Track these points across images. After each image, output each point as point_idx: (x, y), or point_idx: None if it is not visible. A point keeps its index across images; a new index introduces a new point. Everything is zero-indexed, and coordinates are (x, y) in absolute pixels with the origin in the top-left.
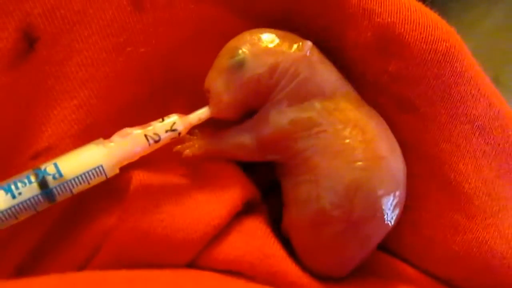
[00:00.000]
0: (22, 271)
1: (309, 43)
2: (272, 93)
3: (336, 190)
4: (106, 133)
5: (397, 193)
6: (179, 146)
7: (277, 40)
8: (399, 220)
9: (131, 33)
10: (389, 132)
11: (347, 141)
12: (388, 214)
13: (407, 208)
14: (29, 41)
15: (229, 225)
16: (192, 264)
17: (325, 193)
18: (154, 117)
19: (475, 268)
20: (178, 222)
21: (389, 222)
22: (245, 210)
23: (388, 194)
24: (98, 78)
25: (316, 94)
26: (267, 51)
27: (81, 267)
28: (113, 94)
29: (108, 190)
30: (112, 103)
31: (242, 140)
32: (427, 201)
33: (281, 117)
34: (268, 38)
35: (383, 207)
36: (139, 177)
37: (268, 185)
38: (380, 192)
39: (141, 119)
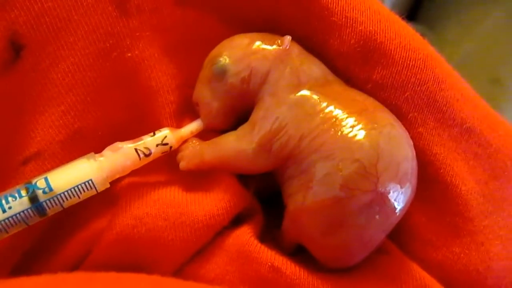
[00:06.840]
0: (17, 271)
1: (288, 37)
2: (260, 92)
3: (356, 157)
4: (95, 139)
5: (414, 159)
6: (178, 155)
7: (255, 42)
8: (399, 226)
9: (117, 38)
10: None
11: (352, 114)
12: (410, 179)
13: (407, 214)
14: (15, 49)
15: (215, 240)
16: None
17: (345, 164)
18: (143, 123)
19: (474, 271)
20: (168, 227)
21: (410, 191)
22: (238, 221)
23: (407, 159)
24: (84, 83)
25: (308, 80)
26: (246, 53)
27: (73, 269)
28: (100, 99)
29: (99, 195)
30: (99, 108)
31: (241, 145)
32: (427, 205)
33: (280, 105)
34: (247, 41)
35: (405, 171)
36: (129, 182)
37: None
38: (400, 156)
39: (130, 124)
